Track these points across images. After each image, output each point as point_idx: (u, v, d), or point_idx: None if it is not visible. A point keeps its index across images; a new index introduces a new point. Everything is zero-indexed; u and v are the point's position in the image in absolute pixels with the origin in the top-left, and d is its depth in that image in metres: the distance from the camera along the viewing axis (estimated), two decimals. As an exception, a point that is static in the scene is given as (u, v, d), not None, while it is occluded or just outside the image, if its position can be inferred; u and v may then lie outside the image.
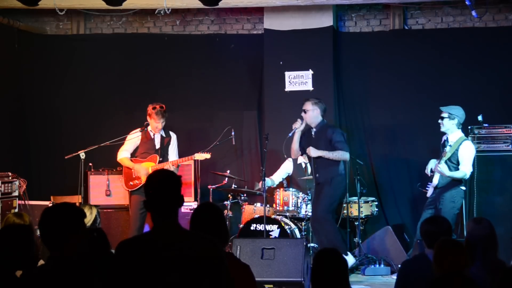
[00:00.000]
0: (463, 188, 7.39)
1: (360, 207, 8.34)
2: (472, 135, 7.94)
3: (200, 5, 7.83)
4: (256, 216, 8.05)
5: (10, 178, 8.12)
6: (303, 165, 8.57)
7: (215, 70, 9.65)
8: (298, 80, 9.28)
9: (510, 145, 7.96)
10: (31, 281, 3.10)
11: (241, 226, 8.08)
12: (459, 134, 7.44)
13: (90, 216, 5.95)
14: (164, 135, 8.03)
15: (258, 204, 8.43)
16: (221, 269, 3.02)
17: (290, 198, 8.20)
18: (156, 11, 9.02)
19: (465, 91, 8.80)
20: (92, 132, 9.33)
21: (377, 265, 7.88)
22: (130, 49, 9.84)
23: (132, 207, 7.83)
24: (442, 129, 7.47)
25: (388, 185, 9.14)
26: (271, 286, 6.39)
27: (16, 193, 8.15)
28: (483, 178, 7.80)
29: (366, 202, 8.52)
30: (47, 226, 3.15)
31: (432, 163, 7.46)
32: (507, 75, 8.80)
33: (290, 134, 7.87)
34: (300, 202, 8.19)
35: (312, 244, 7.89)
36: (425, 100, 9.00)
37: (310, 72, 9.24)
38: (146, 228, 7.71)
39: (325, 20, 9.22)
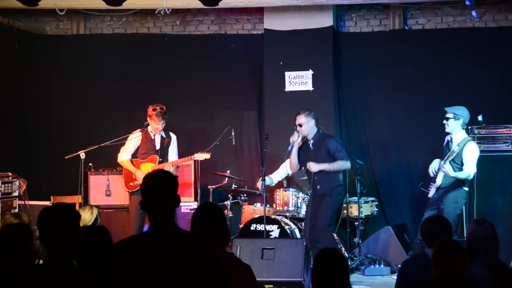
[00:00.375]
0: (466, 188, 7.37)
1: (360, 207, 8.34)
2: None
3: (200, 5, 7.83)
4: (256, 216, 8.05)
5: (10, 178, 8.12)
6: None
7: (215, 70, 9.65)
8: (298, 80, 9.28)
9: (510, 145, 7.96)
10: (28, 281, 3.10)
11: (241, 226, 8.08)
12: (463, 134, 7.43)
13: (91, 216, 5.96)
14: (164, 136, 8.03)
15: (258, 204, 8.43)
16: (217, 270, 3.01)
17: (290, 198, 8.21)
18: (156, 11, 9.02)
19: (465, 91, 8.79)
20: (92, 132, 9.33)
21: (377, 265, 7.88)
22: (130, 49, 9.84)
23: (132, 207, 7.82)
24: (447, 130, 7.44)
25: (388, 185, 9.14)
26: (271, 286, 6.39)
27: (16, 193, 8.16)
28: (483, 178, 7.78)
29: (366, 202, 8.53)
30: (45, 227, 3.15)
31: (435, 163, 7.42)
32: (507, 75, 8.80)
33: (289, 148, 7.70)
34: (300, 202, 8.19)
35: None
36: (425, 100, 9.00)
37: (310, 72, 9.24)
38: (146, 228, 7.70)
39: (325, 20, 9.22)
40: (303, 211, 8.16)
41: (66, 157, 8.15)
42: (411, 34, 9.38)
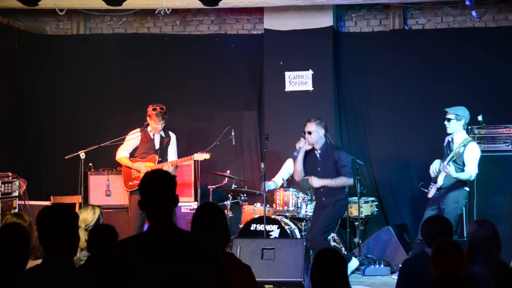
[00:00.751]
0: (467, 189, 7.36)
1: (360, 207, 8.35)
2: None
3: (200, 5, 7.82)
4: (256, 216, 8.04)
5: (10, 178, 8.12)
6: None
7: (215, 70, 9.65)
8: (298, 80, 9.28)
9: (510, 145, 7.96)
10: (27, 280, 3.10)
11: (241, 226, 8.08)
12: (464, 135, 7.42)
13: (93, 216, 5.98)
14: (163, 135, 8.02)
15: (258, 204, 8.42)
16: (216, 270, 3.01)
17: (290, 198, 8.20)
18: (156, 11, 9.03)
19: (465, 91, 8.80)
20: (92, 132, 9.32)
21: (377, 265, 7.88)
22: (130, 49, 9.83)
23: (132, 207, 7.82)
24: (449, 131, 7.41)
25: (388, 185, 9.14)
26: (271, 286, 6.39)
27: (16, 193, 8.16)
28: (483, 178, 7.77)
29: (366, 202, 8.53)
30: (43, 227, 3.15)
31: (436, 163, 7.39)
32: (507, 75, 8.80)
33: (295, 154, 7.49)
34: (300, 202, 8.18)
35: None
36: (425, 100, 9.01)
37: (310, 72, 9.24)
38: (146, 228, 7.70)
39: (325, 20, 9.22)
40: (303, 211, 8.16)
41: (66, 157, 8.14)
42: (411, 34, 9.38)
